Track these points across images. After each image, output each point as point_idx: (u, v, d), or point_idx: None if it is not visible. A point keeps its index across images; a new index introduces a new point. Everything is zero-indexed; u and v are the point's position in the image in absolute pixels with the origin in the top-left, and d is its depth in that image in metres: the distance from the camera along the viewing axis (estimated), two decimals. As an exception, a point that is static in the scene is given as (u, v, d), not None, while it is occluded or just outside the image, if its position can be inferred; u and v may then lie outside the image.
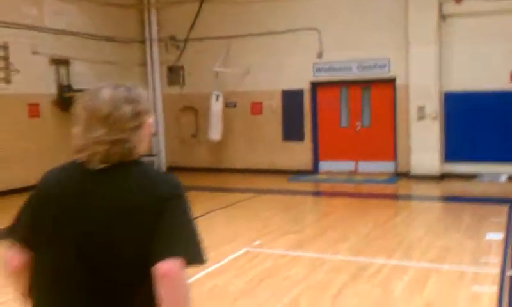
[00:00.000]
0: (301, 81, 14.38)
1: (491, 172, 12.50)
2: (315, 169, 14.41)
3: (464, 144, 12.74)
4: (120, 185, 1.83)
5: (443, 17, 12.84)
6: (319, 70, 14.22)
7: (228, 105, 14.89)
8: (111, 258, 1.77)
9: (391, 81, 13.55)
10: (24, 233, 1.90)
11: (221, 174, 14.70)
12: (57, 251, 1.82)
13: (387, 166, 13.71)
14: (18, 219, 1.94)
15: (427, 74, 12.89)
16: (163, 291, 1.71)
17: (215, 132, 14.55)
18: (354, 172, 14.03)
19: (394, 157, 13.64)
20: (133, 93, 1.94)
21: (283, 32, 14.31)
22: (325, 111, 14.44)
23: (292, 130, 14.54)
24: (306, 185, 12.95)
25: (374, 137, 13.94)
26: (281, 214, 9.48)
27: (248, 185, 12.81)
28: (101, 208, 1.80)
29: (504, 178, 12.30)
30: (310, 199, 11.30)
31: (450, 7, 12.75)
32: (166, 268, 1.71)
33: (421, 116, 12.96)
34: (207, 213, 9.46)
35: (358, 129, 14.13)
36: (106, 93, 1.89)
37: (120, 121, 1.85)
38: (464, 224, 8.19)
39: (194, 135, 15.68)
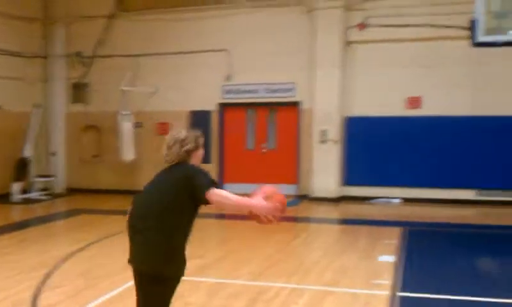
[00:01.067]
0: (209, 102, 14.49)
1: (387, 195, 13.19)
2: (221, 191, 14.44)
3: (362, 168, 13.34)
4: (173, 171, 3.73)
5: (347, 43, 13.47)
6: (227, 91, 14.39)
7: (136, 125, 14.66)
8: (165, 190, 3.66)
9: (296, 105, 13.97)
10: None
11: (128, 196, 14.31)
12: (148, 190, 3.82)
13: (290, 189, 14.03)
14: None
15: (331, 99, 13.43)
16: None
17: (127, 152, 14.19)
18: (259, 194, 14.19)
19: (297, 179, 14.03)
20: (181, 135, 3.79)
21: (193, 52, 14.39)
22: (232, 133, 14.62)
23: (198, 152, 14.52)
24: (210, 207, 12.88)
25: (278, 159, 14.27)
26: (184, 238, 9.43)
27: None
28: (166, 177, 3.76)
29: (397, 201, 13.02)
30: (214, 223, 11.31)
31: (354, 34, 13.40)
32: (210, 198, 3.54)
33: (323, 140, 13.45)
34: (106, 237, 9.23)
35: (263, 151, 14.40)
36: (169, 135, 3.84)
37: (172, 152, 3.77)
38: (359, 246, 8.57)
39: (96, 155, 15.25)
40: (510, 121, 12.53)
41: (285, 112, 14.29)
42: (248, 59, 14.10)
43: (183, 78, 14.58)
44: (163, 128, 14.83)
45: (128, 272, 3.84)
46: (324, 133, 13.46)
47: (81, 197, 14.34)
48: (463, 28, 10.15)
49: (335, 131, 13.43)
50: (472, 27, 9.32)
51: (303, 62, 13.70)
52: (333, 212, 12.54)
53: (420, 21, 12.77)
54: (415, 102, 13.16)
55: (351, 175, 13.40)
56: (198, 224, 10.75)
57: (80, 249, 8.44)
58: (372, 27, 13.22)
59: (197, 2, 14.48)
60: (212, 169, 14.46)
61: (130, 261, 3.72)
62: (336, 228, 11.16)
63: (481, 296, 6.10)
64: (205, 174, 3.64)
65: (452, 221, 11.12)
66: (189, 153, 3.76)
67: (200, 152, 3.82)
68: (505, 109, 12.54)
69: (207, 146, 14.48)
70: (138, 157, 14.59)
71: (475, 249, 8.51)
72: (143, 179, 13.89)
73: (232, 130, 14.64)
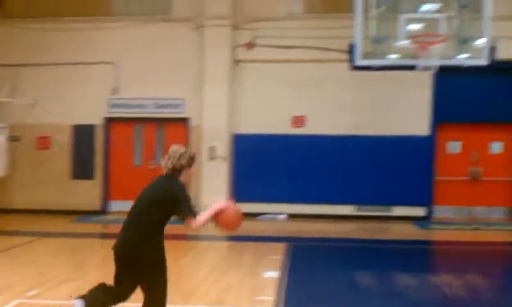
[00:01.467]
0: (93, 116, 14.00)
1: (273, 211, 13.45)
2: (105, 209, 13.99)
3: (250, 184, 13.49)
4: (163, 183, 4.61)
5: (235, 62, 13.63)
6: (113, 105, 13.98)
7: (12, 138, 13.78)
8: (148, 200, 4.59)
9: (185, 121, 13.88)
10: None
11: (0, 215, 13.43)
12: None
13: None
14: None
15: (219, 115, 13.50)
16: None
17: (-3, 168, 13.31)
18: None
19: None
20: (181, 150, 4.64)
21: (77, 63, 13.87)
22: (118, 148, 14.20)
23: (81, 168, 13.97)
24: (94, 226, 12.46)
25: (166, 176, 14.01)
26: (63, 259, 8.94)
27: (30, 227, 11.92)
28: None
29: (283, 216, 13.32)
30: (96, 242, 10.86)
31: (242, 53, 13.59)
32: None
33: (212, 157, 13.46)
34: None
35: (150, 167, 14.11)
36: (171, 148, 4.68)
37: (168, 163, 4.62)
38: (245, 263, 8.64)
39: (-34, 171, 14.13)
40: (386, 140, 13.32)
41: (174, 128, 14.14)
42: (136, 73, 13.82)
43: (66, 91, 13.97)
44: (44, 142, 14.10)
45: (0, 297, 3.53)
46: (212, 149, 13.48)
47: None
48: (344, 52, 10.64)
49: (223, 148, 13.50)
50: (350, 51, 9.80)
51: (192, 79, 13.68)
52: (220, 230, 12.50)
53: (305, 43, 13.23)
54: (299, 120, 13.60)
55: (239, 191, 13.47)
56: (78, 244, 10.29)
57: None
58: (259, 47, 13.50)
59: (83, 13, 13.98)
60: (94, 185, 13.95)
61: None
62: (224, 244, 11.15)
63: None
64: (188, 200, 4.50)
65: (334, 236, 11.54)
66: (182, 167, 4.60)
67: (191, 170, 4.69)
68: (382, 129, 13.32)
69: (91, 161, 14.12)
70: (13, 172, 13.71)
71: (355, 263, 8.87)
72: (17, 196, 13.17)
73: (118, 145, 14.21)
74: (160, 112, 13.95)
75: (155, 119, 14.07)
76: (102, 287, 4.84)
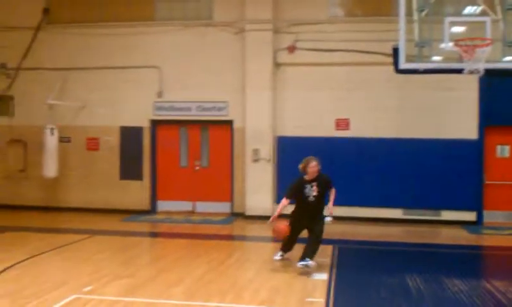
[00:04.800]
0: (140, 119, 14.28)
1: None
2: (153, 209, 14.25)
3: (294, 187, 13.43)
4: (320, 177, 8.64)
5: (277, 65, 13.69)
6: (159, 108, 14.24)
7: (63, 139, 14.21)
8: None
9: (228, 123, 14.00)
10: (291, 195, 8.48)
11: (54, 213, 13.88)
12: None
13: (224, 207, 14.04)
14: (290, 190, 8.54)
15: (262, 118, 13.56)
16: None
17: (50, 168, 13.76)
18: (192, 212, 14.14)
19: (231, 197, 14.02)
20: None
21: (124, 67, 14.19)
22: (165, 150, 14.44)
23: (130, 168, 14.27)
24: (142, 225, 12.72)
25: (212, 177, 14.21)
26: (114, 257, 9.16)
27: (82, 225, 12.25)
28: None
29: (329, 219, 13.19)
30: (145, 241, 11.09)
31: (283, 57, 13.64)
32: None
33: (256, 159, 13.53)
34: (34, 256, 8.84)
35: (196, 169, 14.30)
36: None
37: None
38: (293, 264, 8.62)
39: (22, 170, 14.62)
40: (433, 144, 13.10)
41: (217, 131, 14.28)
42: (180, 76, 14.05)
43: (113, 94, 14.32)
44: (93, 144, 14.46)
45: (57, 292, 3.66)
46: (256, 152, 13.55)
47: (6, 214, 13.66)
48: (387, 55, 10.53)
49: (267, 150, 13.56)
50: (394, 54, 9.69)
51: (234, 82, 13.80)
52: (268, 230, 12.54)
53: (345, 46, 13.19)
54: (343, 123, 13.53)
55: (284, 194, 13.46)
56: (128, 242, 10.56)
57: (6, 269, 8.00)
58: (301, 50, 13.52)
59: (127, 18, 14.29)
60: (144, 186, 14.23)
61: None
62: (270, 246, 11.16)
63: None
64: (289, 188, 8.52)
65: (381, 239, 11.42)
66: (303, 169, 8.44)
67: (308, 170, 8.46)
68: (428, 132, 13.11)
69: (139, 162, 14.40)
70: (64, 172, 14.13)
71: (403, 267, 8.77)
72: (69, 196, 13.62)
73: (164, 147, 14.46)
74: (204, 115, 14.12)
75: (200, 122, 14.25)
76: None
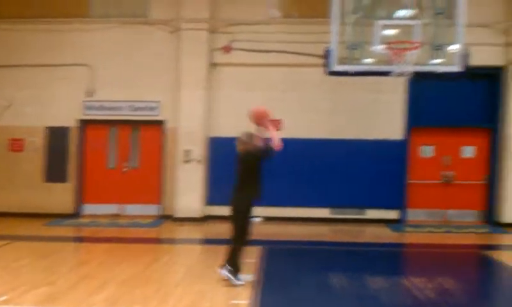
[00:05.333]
0: (68, 119, 13.87)
1: (249, 214, 13.41)
2: (78, 213, 13.84)
3: (225, 188, 13.38)
4: None
5: (213, 65, 13.61)
6: (88, 107, 13.86)
7: (-19, 140, 13.57)
8: None
9: (160, 123, 13.81)
10: None
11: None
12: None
13: (153, 209, 13.83)
14: None
15: (195, 119, 13.46)
16: None
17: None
18: (119, 215, 13.85)
19: (160, 199, 13.83)
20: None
21: (55, 65, 13.76)
22: (93, 151, 14.06)
23: (55, 171, 13.79)
24: (66, 229, 12.30)
25: (141, 179, 13.97)
26: (35, 264, 8.79)
27: (2, 231, 11.71)
28: None
29: (258, 219, 13.30)
30: (69, 246, 10.73)
31: (219, 56, 13.59)
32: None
33: (187, 160, 13.41)
34: None
35: (124, 170, 14.01)
36: None
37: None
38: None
39: None
40: (361, 144, 13.44)
41: (149, 131, 14.05)
42: (111, 75, 13.72)
43: (42, 93, 13.83)
44: (17, 145, 13.89)
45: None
46: (188, 153, 13.43)
47: None
48: (320, 57, 10.69)
49: (198, 151, 13.46)
50: (326, 56, 9.84)
51: (168, 82, 13.63)
52: (197, 232, 12.50)
53: (282, 47, 13.31)
54: (275, 123, 13.56)
55: (215, 195, 13.44)
56: (50, 248, 10.17)
57: None
58: (236, 51, 13.52)
59: (60, 14, 13.81)
60: (69, 188, 13.79)
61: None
62: (199, 248, 11.12)
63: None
64: None
65: (309, 239, 11.60)
66: None
67: None
68: (357, 132, 13.45)
69: (64, 164, 13.94)
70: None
71: (329, 266, 8.93)
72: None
73: (92, 147, 14.07)
74: (135, 115, 13.85)
75: (131, 122, 13.97)
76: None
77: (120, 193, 13.93)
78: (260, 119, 7.50)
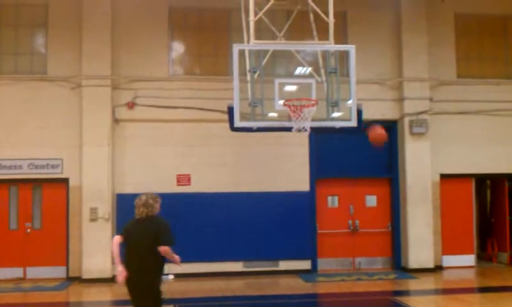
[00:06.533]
0: (-37, 178, 13.04)
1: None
2: (-21, 276, 12.92)
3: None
4: (147, 224, 6.22)
5: (116, 121, 13.44)
6: (-15, 166, 13.14)
7: None
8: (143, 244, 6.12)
9: (64, 181, 13.35)
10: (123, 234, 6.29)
11: None
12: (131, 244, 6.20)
13: (58, 271, 13.20)
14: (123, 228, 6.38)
15: (100, 176, 13.13)
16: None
17: None
18: (23, 279, 13.06)
19: (66, 260, 13.23)
20: (150, 199, 6.39)
21: None
22: (-8, 212, 13.29)
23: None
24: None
25: (45, 240, 13.34)
26: None
27: None
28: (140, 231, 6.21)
29: (170, 277, 13.04)
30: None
31: (123, 112, 13.47)
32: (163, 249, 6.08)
33: (94, 218, 13.01)
34: None
35: (28, 231, 13.33)
36: (143, 196, 6.38)
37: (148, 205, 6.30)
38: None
39: None
40: (270, 197, 13.68)
41: (51, 190, 13.53)
42: (9, 132, 13.20)
43: None
44: None
45: None
46: (94, 211, 13.03)
47: None
48: (224, 112, 10.89)
49: (105, 208, 13.09)
50: (230, 112, 9.98)
51: (70, 138, 13.28)
52: (106, 293, 12.02)
53: (186, 103, 13.47)
54: (184, 179, 13.61)
55: (123, 253, 13.02)
56: None
57: None
58: (140, 106, 13.49)
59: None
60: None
61: None
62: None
63: None
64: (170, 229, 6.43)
65: (222, 294, 11.49)
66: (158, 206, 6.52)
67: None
68: (265, 185, 13.70)
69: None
70: None
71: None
72: None
73: (-8, 208, 13.31)
74: (36, 173, 13.30)
75: (32, 181, 13.39)
76: None
77: (22, 255, 13.20)
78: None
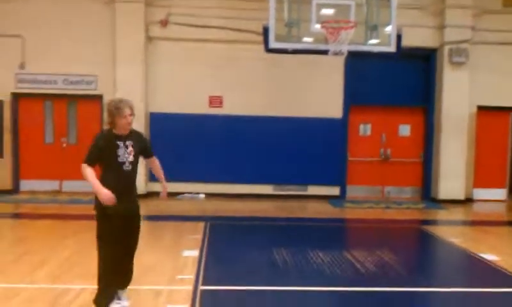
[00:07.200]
0: (1, 92, 13.24)
1: (192, 190, 13.44)
2: (15, 189, 13.38)
3: (167, 164, 13.23)
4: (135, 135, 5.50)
5: (149, 39, 13.36)
6: (21, 80, 13.33)
7: None
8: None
9: (98, 98, 13.47)
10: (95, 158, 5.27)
11: None
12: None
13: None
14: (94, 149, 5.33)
15: (134, 93, 13.07)
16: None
17: None
18: (59, 191, 13.49)
19: (100, 175, 13.54)
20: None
21: (-18, 36, 13.05)
22: (28, 126, 13.58)
23: (-11, 146, 13.24)
24: (4, 206, 11.88)
25: (80, 155, 13.48)
26: (-30, 241, 8.50)
27: None
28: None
29: (202, 196, 13.35)
30: (6, 223, 10.38)
31: (156, 30, 13.35)
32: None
33: (130, 136, 13.14)
34: None
35: (63, 146, 13.64)
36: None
37: None
38: (165, 242, 8.60)
39: None
40: (302, 122, 13.64)
41: (86, 106, 13.70)
42: (45, 47, 13.27)
43: (-32, 64, 13.16)
44: None
45: None
46: (128, 128, 13.16)
47: None
48: (259, 33, 10.70)
49: (139, 127, 13.16)
50: (265, 33, 9.82)
51: (105, 55, 13.31)
52: (141, 208, 12.32)
53: (220, 23, 13.23)
54: (216, 100, 13.61)
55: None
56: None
57: None
58: (174, 25, 13.33)
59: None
60: (4, 164, 13.29)
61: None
62: (144, 224, 10.99)
63: (277, 285, 6.56)
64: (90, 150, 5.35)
65: (252, 214, 11.72)
66: (111, 118, 5.29)
67: (118, 121, 5.27)
68: (297, 110, 13.63)
69: (-1, 139, 13.37)
70: None
71: (272, 241, 9.07)
72: None
73: (28, 122, 13.60)
74: (71, 89, 13.45)
75: (66, 96, 13.56)
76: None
77: (58, 169, 13.58)
78: None
